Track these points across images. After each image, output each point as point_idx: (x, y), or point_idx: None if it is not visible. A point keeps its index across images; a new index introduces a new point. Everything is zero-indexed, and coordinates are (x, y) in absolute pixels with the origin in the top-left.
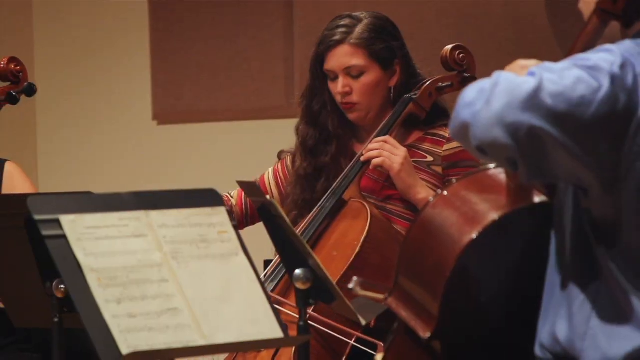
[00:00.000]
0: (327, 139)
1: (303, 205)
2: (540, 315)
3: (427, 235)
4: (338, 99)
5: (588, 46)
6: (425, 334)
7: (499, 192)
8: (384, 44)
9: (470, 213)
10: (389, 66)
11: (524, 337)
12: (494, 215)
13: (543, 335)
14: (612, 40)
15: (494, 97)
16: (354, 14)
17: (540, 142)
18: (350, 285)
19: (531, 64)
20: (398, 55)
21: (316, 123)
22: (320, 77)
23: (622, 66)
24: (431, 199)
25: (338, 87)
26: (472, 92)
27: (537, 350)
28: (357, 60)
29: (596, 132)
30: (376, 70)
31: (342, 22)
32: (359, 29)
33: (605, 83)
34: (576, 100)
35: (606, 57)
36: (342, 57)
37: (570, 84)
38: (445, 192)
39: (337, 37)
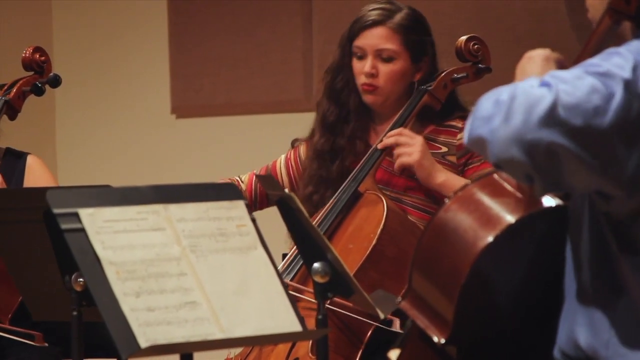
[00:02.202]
0: (346, 118)
1: (318, 182)
2: (560, 319)
3: (440, 240)
4: (361, 79)
5: (600, 46)
6: (440, 339)
7: (513, 195)
8: (419, 37)
9: (485, 217)
10: (418, 60)
11: (538, 338)
12: (509, 219)
13: (562, 340)
14: (623, 39)
15: (511, 113)
16: (394, 1)
17: (558, 157)
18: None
19: (538, 54)
20: (429, 52)
21: (337, 100)
22: (348, 54)
23: (634, 69)
24: (446, 200)
25: (365, 66)
26: (488, 105)
27: (556, 354)
28: (392, 44)
29: (613, 140)
30: (406, 60)
31: (383, 6)
32: (399, 15)
33: (618, 90)
34: (591, 111)
35: (617, 61)
36: (378, 38)
37: (585, 94)
38: (458, 195)
39: (376, 17)
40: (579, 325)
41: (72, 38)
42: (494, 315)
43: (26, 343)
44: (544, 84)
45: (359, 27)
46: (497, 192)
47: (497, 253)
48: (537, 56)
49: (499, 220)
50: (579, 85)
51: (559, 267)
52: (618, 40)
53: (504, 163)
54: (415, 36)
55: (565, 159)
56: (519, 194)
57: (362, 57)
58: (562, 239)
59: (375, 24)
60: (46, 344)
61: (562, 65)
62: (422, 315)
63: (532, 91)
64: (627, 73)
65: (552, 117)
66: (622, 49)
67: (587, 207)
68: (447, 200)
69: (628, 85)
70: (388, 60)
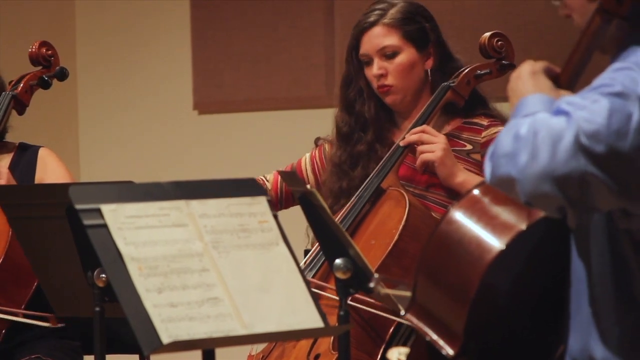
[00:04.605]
0: (363, 127)
1: (339, 194)
2: (569, 327)
3: (445, 252)
4: (374, 83)
5: (592, 46)
6: (449, 353)
7: (516, 200)
8: (418, 25)
9: (490, 227)
10: (423, 48)
11: (541, 341)
12: (518, 227)
13: (574, 350)
14: (613, 39)
15: (537, 149)
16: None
17: (590, 186)
18: (372, 284)
19: (524, 71)
20: (432, 37)
21: (351, 110)
22: (355, 64)
23: None
24: (450, 209)
25: (373, 69)
26: (508, 140)
27: None
28: (391, 40)
29: (637, 160)
30: (411, 51)
31: (377, 6)
32: (392, 10)
33: (635, 110)
34: (613, 135)
35: (629, 78)
36: (376, 38)
37: (604, 119)
38: (460, 204)
39: (371, 19)
40: (594, 339)
41: (95, 35)
42: (499, 321)
43: (42, 339)
44: (561, 112)
45: (358, 33)
46: (499, 198)
47: (504, 261)
48: (523, 73)
49: (505, 230)
50: (597, 109)
51: (558, 269)
52: (607, 39)
53: (536, 200)
54: (414, 25)
55: (597, 187)
56: None
57: (369, 63)
58: (560, 240)
59: (371, 25)
60: (60, 325)
61: (550, 72)
62: (429, 328)
63: (552, 123)
64: None
65: (577, 148)
66: (631, 63)
67: (601, 222)
68: (450, 209)
69: None
70: (392, 56)
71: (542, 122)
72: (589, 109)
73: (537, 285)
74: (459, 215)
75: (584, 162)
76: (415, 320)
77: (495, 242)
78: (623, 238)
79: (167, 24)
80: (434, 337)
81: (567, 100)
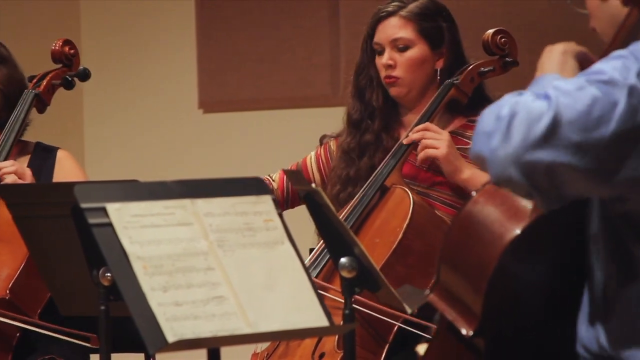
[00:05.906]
0: (371, 115)
1: (346, 181)
2: (580, 314)
3: (468, 233)
4: (382, 73)
5: (629, 40)
6: (468, 332)
7: None
8: (435, 23)
9: (512, 210)
10: (437, 46)
11: (561, 332)
12: (536, 212)
13: (586, 338)
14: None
15: (510, 132)
16: None
17: (558, 176)
18: (427, 291)
19: (556, 48)
20: (447, 37)
21: (362, 98)
22: (368, 52)
23: (639, 74)
24: (473, 193)
25: (383, 59)
26: (490, 119)
27: (580, 350)
28: (405, 33)
29: (620, 148)
30: (423, 47)
31: None
32: (413, 4)
33: (622, 98)
34: (593, 123)
35: (621, 66)
36: (391, 28)
37: (586, 107)
38: (485, 189)
39: (389, 9)
40: (604, 328)
41: (100, 33)
42: (520, 307)
43: (52, 338)
44: (545, 97)
45: (375, 21)
46: None
47: (524, 244)
48: (555, 50)
49: (525, 213)
50: (580, 97)
51: (583, 260)
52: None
53: (503, 183)
54: (430, 23)
55: (568, 175)
56: None
57: (381, 52)
58: (578, 227)
59: (389, 15)
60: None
61: (584, 58)
62: (450, 308)
63: (532, 107)
64: (631, 79)
65: (551, 135)
66: (626, 52)
67: (596, 210)
68: (474, 194)
69: (632, 91)
70: (404, 49)
71: (522, 105)
72: (573, 96)
73: (566, 283)
74: (483, 198)
75: (555, 150)
76: (436, 301)
77: (514, 224)
78: (620, 224)
79: (172, 23)
80: (454, 316)
81: (555, 84)
